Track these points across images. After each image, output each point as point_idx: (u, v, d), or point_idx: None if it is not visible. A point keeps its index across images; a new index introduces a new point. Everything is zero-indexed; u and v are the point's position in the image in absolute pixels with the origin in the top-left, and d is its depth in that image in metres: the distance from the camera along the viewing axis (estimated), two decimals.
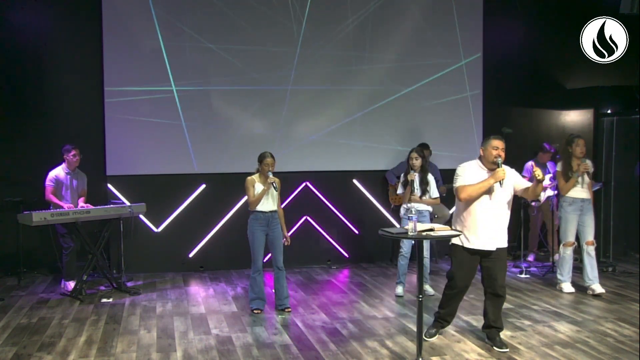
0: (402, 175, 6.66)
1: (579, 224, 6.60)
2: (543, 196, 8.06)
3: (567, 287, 6.69)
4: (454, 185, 4.92)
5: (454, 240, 4.96)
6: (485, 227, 4.81)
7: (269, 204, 6.01)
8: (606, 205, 8.49)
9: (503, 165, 4.80)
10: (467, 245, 4.89)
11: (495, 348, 4.90)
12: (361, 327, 5.55)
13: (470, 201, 4.83)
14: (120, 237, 7.42)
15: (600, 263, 7.56)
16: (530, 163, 8.30)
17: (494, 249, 4.85)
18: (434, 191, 6.53)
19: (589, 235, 6.62)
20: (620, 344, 5.04)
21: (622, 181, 8.60)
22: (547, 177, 8.09)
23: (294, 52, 8.15)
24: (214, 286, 7.22)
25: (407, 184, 6.48)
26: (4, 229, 7.52)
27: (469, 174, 4.85)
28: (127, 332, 5.44)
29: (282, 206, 6.33)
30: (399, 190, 6.67)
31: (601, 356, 4.76)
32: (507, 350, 4.86)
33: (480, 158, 4.93)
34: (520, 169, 8.71)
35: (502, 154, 4.81)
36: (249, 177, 6.04)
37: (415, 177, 6.43)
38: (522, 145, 9.14)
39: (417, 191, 6.42)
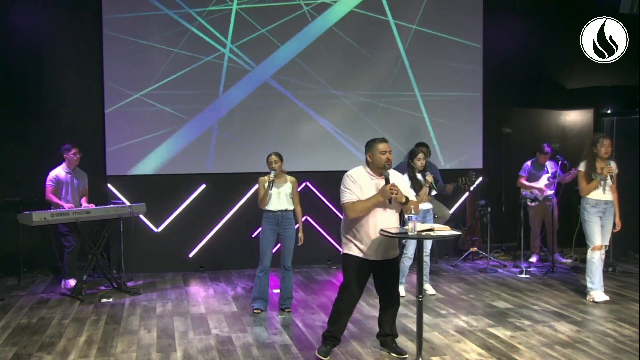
0: (406, 176, 6.55)
1: None
2: (540, 196, 8.03)
3: (599, 295, 6.28)
4: (341, 200, 4.63)
5: (348, 251, 4.72)
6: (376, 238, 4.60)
7: (278, 203, 5.98)
8: None
9: (392, 177, 4.58)
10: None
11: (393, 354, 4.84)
12: (361, 327, 5.55)
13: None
14: (120, 237, 7.41)
15: None
16: (529, 163, 8.29)
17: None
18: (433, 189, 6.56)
19: (605, 240, 6.36)
20: (620, 344, 5.04)
21: (622, 181, 8.58)
22: (545, 176, 8.09)
23: (295, 52, 8.16)
24: (214, 286, 7.22)
25: (420, 185, 6.44)
26: (4, 229, 7.52)
27: (359, 185, 4.59)
28: (127, 332, 5.44)
29: None
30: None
31: (601, 356, 4.76)
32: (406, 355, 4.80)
33: (367, 164, 4.68)
34: (520, 169, 8.74)
35: (391, 157, 4.61)
36: (261, 177, 6.04)
37: (432, 177, 6.44)
38: (522, 145, 9.15)
39: (434, 191, 6.45)
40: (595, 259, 6.29)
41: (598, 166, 6.24)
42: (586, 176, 6.29)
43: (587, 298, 6.36)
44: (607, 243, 6.43)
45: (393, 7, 8.41)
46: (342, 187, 4.68)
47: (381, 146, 4.61)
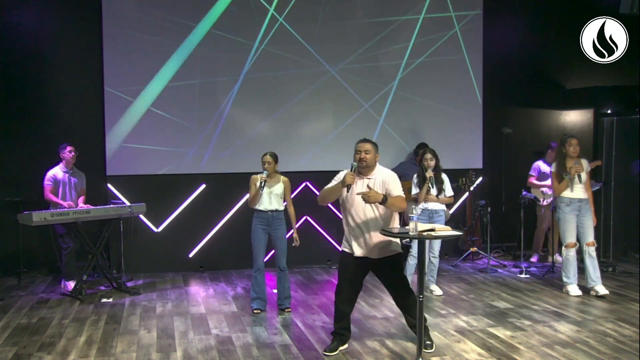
0: (415, 176, 6.61)
1: (578, 225, 6.54)
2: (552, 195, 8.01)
3: (574, 289, 6.57)
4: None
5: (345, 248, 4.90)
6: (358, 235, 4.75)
7: (269, 203, 5.98)
8: (606, 205, 8.48)
9: (378, 177, 4.68)
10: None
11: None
12: (361, 327, 5.55)
13: (344, 210, 4.78)
14: (120, 237, 7.42)
15: (600, 263, 7.55)
16: (540, 163, 8.20)
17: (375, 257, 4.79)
18: (448, 190, 6.55)
19: (589, 236, 6.55)
20: (620, 344, 5.04)
21: (622, 181, 8.60)
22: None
23: (294, 52, 8.16)
24: (214, 286, 7.22)
25: (423, 183, 6.45)
26: (4, 229, 7.52)
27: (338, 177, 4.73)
28: (127, 332, 5.44)
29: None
30: (413, 191, 6.57)
31: (601, 356, 4.76)
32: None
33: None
34: (520, 169, 8.73)
35: (367, 156, 4.65)
36: (253, 176, 6.04)
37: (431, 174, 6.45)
38: (522, 145, 9.16)
39: (433, 190, 6.44)
40: (570, 255, 6.56)
41: (567, 165, 6.47)
42: (557, 176, 6.54)
43: (563, 290, 6.66)
44: (592, 239, 6.58)
45: (390, 6, 8.41)
46: None
47: (356, 146, 4.75)
